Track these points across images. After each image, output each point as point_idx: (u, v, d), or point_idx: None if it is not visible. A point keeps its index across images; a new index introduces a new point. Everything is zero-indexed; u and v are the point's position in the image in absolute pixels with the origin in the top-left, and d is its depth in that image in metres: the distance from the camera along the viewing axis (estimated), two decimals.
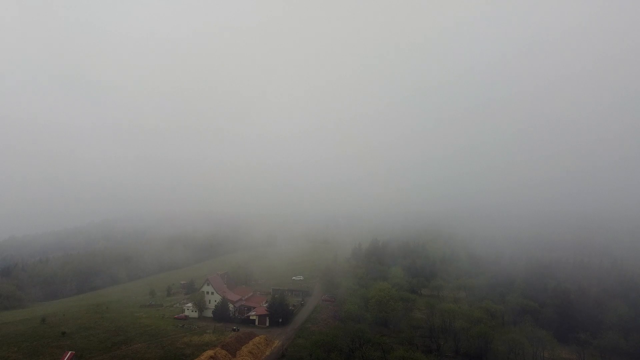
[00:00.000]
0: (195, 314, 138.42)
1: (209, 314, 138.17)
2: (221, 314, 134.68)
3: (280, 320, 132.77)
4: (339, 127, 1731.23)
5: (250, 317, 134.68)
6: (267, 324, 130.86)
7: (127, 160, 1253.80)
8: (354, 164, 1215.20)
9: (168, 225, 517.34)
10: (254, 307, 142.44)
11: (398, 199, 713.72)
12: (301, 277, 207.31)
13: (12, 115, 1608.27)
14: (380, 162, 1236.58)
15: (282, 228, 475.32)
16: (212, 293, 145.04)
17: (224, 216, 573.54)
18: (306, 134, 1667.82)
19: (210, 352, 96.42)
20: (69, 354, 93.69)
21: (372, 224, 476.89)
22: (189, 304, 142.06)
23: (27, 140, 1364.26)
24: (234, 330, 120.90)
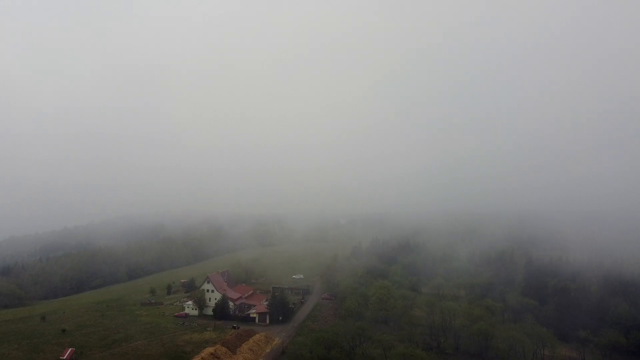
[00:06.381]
0: (195, 312, 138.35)
1: (209, 312, 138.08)
2: (221, 312, 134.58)
3: (281, 318, 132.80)
4: (339, 133, 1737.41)
5: (251, 315, 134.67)
6: (268, 322, 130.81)
7: (126, 162, 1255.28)
8: (354, 167, 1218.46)
9: (169, 225, 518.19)
10: (254, 305, 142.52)
11: (398, 200, 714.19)
12: (301, 276, 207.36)
13: (13, 115, 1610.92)
14: (380, 165, 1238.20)
15: (283, 228, 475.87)
16: (213, 291, 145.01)
17: (225, 216, 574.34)
18: (306, 138, 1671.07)
19: (210, 349, 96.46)
20: (69, 351, 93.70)
21: (372, 224, 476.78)
22: (189, 302, 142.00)
23: (28, 141, 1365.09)
24: (234, 327, 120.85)
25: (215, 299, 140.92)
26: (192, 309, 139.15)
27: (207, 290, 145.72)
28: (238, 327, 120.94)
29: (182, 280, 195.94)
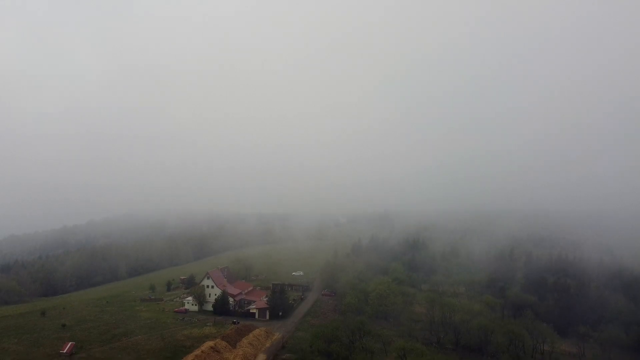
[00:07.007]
0: (195, 308, 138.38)
1: (209, 307, 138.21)
2: (221, 308, 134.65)
3: (281, 313, 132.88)
4: (339, 133, 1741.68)
5: (251, 311, 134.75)
6: (267, 317, 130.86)
7: (126, 162, 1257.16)
8: (354, 167, 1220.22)
9: (171, 223, 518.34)
10: (254, 301, 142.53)
11: (399, 200, 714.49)
12: (301, 273, 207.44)
13: (13, 115, 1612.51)
14: (381, 165, 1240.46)
15: (284, 226, 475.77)
16: (212, 287, 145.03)
17: (226, 215, 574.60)
18: (306, 138, 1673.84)
19: (210, 343, 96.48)
20: (69, 345, 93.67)
21: (373, 223, 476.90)
22: (189, 298, 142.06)
23: (28, 141, 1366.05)
24: (234, 323, 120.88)
25: (215, 294, 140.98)
26: (192, 305, 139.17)
27: (207, 286, 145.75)
28: (238, 323, 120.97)
29: (182, 277, 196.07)
